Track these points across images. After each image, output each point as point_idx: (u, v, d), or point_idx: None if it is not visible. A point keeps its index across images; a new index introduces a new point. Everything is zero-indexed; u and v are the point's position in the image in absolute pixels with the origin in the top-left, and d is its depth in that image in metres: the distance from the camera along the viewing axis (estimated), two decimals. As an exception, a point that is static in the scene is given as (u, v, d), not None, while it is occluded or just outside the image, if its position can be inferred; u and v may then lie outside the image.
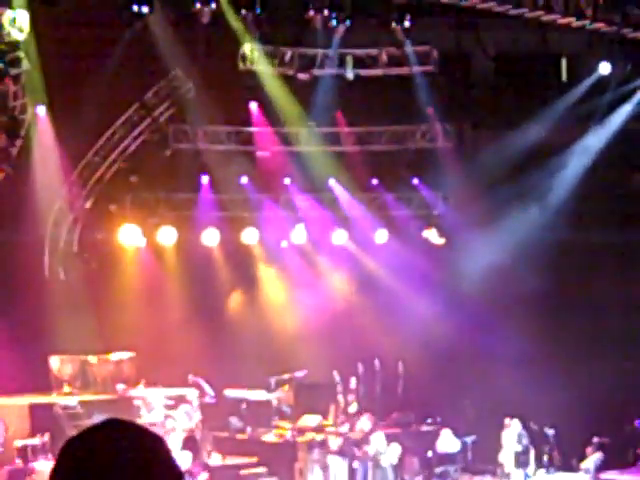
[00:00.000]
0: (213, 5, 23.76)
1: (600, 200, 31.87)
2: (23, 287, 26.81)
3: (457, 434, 27.35)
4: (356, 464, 25.78)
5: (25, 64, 23.35)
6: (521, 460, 28.93)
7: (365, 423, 26.21)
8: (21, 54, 23.02)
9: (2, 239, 26.70)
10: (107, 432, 2.64)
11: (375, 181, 32.07)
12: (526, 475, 28.62)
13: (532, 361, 27.66)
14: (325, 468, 26.49)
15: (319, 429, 27.43)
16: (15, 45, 22.52)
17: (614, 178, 33.96)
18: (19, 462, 23.24)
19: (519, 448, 28.80)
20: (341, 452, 26.61)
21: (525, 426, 28.76)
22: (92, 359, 27.40)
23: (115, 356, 27.58)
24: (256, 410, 27.70)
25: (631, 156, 34.81)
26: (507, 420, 28.25)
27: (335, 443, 26.93)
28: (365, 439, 25.23)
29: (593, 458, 27.97)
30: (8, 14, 21.68)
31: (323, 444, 26.93)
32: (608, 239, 31.41)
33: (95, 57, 25.45)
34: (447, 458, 27.29)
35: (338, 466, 26.48)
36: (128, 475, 2.56)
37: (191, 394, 26.39)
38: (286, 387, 28.18)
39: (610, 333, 29.63)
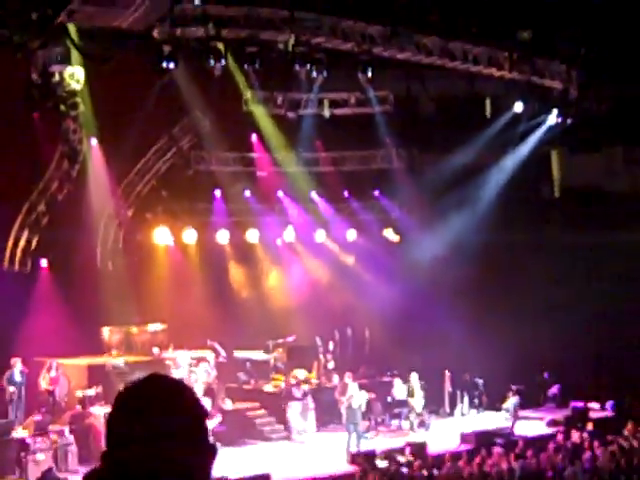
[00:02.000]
0: (223, 62, 23.66)
1: (516, 207, 32.10)
2: (81, 275, 26.86)
3: (406, 382, 27.34)
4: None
5: (81, 107, 23.09)
6: (456, 402, 29.37)
7: (342, 377, 26.09)
8: (78, 99, 22.72)
9: (66, 239, 26.72)
10: (152, 381, 2.64)
11: (346, 193, 32.48)
12: (462, 413, 29.10)
13: (466, 329, 27.64)
14: (311, 409, 26.58)
15: (306, 381, 27.49)
16: (73, 93, 22.38)
17: (527, 190, 34.27)
18: (79, 408, 23.27)
19: (456, 393, 29.22)
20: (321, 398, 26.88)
21: (460, 377, 29.14)
22: (134, 330, 27.61)
23: (151, 327, 27.77)
24: (258, 367, 27.86)
25: (539, 173, 35.19)
26: (446, 372, 28.63)
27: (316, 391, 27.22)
28: (341, 387, 25.24)
29: (512, 401, 28.24)
30: (69, 70, 21.43)
31: (309, 392, 26.93)
32: (523, 238, 31.65)
33: (134, 101, 25.40)
34: (401, 402, 27.32)
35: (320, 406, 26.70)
36: (168, 411, 2.54)
37: (209, 355, 26.50)
38: (280, 349, 28.36)
39: (525, 308, 29.62)
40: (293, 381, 26.83)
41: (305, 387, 27.03)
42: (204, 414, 2.65)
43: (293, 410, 26.18)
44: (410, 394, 27.08)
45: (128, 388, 2.64)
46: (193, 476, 2.56)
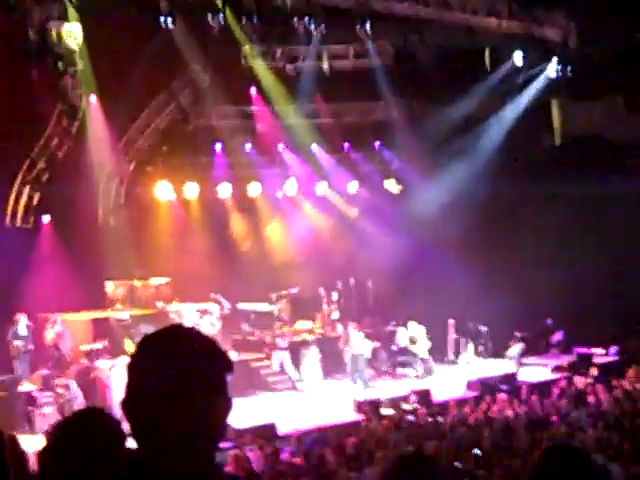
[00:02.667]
0: (221, 16, 23.67)
1: (517, 156, 32.09)
2: (83, 230, 26.71)
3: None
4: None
5: (80, 64, 23.09)
6: (460, 350, 29.55)
7: (346, 327, 26.33)
8: (76, 57, 22.71)
9: (68, 195, 26.58)
10: (175, 328, 2.75)
11: (346, 145, 32.40)
12: (466, 361, 29.23)
13: (469, 278, 27.70)
14: (316, 359, 26.70)
15: (310, 331, 27.78)
16: (71, 50, 22.30)
17: (527, 140, 34.25)
18: (85, 361, 23.25)
19: (460, 341, 29.38)
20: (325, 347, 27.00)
21: (464, 325, 29.30)
22: (137, 283, 27.59)
23: (155, 281, 27.75)
24: (261, 318, 28.02)
25: (539, 122, 35.09)
26: (450, 320, 28.77)
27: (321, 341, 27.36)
28: (346, 337, 25.44)
29: (516, 348, 28.47)
30: (66, 27, 21.41)
31: (313, 342, 27.18)
32: (525, 187, 31.66)
33: (132, 56, 25.34)
34: (406, 350, 27.53)
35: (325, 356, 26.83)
36: (195, 355, 2.62)
37: (213, 308, 26.51)
38: (284, 300, 28.49)
39: (528, 256, 29.78)
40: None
41: (309, 337, 27.28)
42: (227, 365, 2.74)
43: (278, 360, 26.33)
44: (412, 341, 27.19)
45: (149, 338, 2.71)
46: (212, 429, 2.64)
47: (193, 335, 2.69)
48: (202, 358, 2.62)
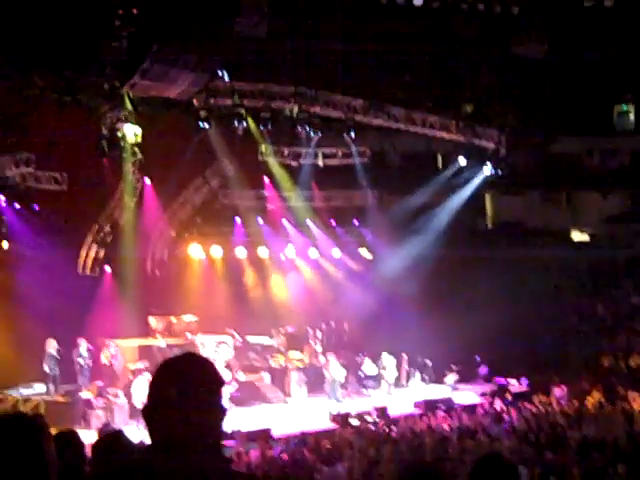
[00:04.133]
0: (244, 123, 23.82)
1: (458, 235, 32.16)
2: (135, 279, 26.53)
3: (374, 362, 27.30)
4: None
5: (139, 155, 23.17)
6: (410, 377, 29.35)
7: (327, 357, 26.19)
8: (137, 149, 22.80)
9: (125, 252, 26.71)
10: (185, 357, 2.69)
11: (333, 222, 32.30)
12: (415, 385, 28.93)
13: (419, 323, 27.43)
14: (302, 380, 26.56)
15: (300, 360, 27.42)
16: (133, 144, 22.25)
17: (468, 221, 34.41)
18: (131, 377, 23.08)
19: (410, 370, 29.16)
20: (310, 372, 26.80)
21: (414, 358, 29.11)
22: (173, 319, 27.30)
23: (186, 318, 27.48)
24: (264, 348, 27.74)
25: (476, 210, 35.35)
26: (404, 355, 28.57)
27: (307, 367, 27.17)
28: (326, 365, 25.31)
29: (452, 377, 28.33)
30: (129, 127, 21.46)
31: (301, 369, 26.95)
32: (464, 257, 31.74)
33: (177, 150, 25.41)
34: (370, 376, 27.30)
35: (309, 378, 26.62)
36: (198, 375, 2.59)
37: (228, 339, 26.42)
38: (282, 336, 28.23)
39: (462, 307, 29.40)
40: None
41: (299, 364, 27.01)
42: (221, 382, 2.67)
43: (292, 379, 26.19)
44: (383, 368, 26.83)
45: (166, 362, 2.70)
46: (209, 430, 2.57)
47: (197, 360, 2.67)
48: (202, 377, 2.59)
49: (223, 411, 2.63)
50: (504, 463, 3.65)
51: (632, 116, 36.19)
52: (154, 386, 2.63)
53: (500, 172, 29.18)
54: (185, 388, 2.55)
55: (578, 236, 38.15)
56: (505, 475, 3.55)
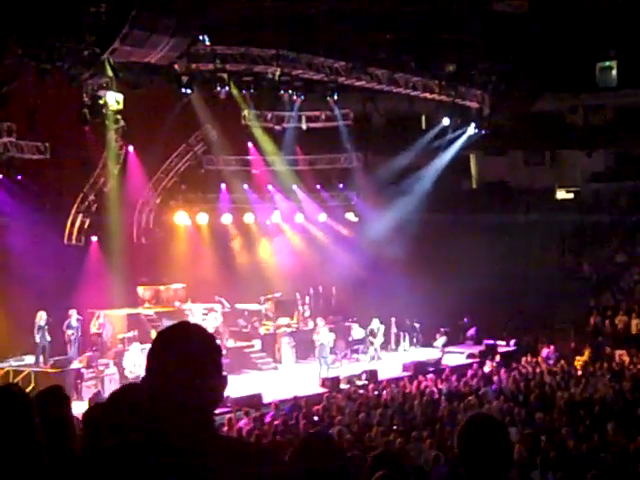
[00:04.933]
0: (227, 88, 23.58)
1: (444, 196, 32.14)
2: (121, 247, 26.48)
3: (362, 326, 27.35)
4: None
5: (121, 122, 22.96)
6: (399, 341, 29.45)
7: (316, 322, 26.00)
8: (119, 117, 22.61)
9: (110, 221, 26.52)
10: (184, 325, 2.65)
11: (318, 186, 32.28)
12: (404, 349, 29.15)
13: (407, 286, 27.41)
14: (292, 346, 26.72)
15: (288, 325, 27.55)
16: (115, 112, 22.08)
17: (452, 183, 34.39)
18: (120, 347, 23.12)
19: (399, 334, 29.26)
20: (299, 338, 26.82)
21: (403, 322, 29.20)
22: (161, 288, 27.26)
23: (174, 286, 27.44)
24: (253, 315, 27.66)
25: (460, 171, 35.33)
26: (392, 318, 28.60)
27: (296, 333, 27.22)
28: (316, 330, 25.22)
29: (441, 340, 28.49)
30: (111, 94, 21.15)
31: (290, 333, 27.07)
32: (449, 218, 31.76)
33: (160, 117, 25.24)
34: (359, 341, 27.43)
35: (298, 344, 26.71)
36: (197, 344, 2.55)
37: (216, 307, 26.31)
38: (270, 302, 28.15)
39: (450, 269, 29.61)
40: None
41: (288, 329, 27.07)
42: (219, 351, 2.63)
43: (282, 345, 26.29)
44: (372, 334, 26.88)
45: (163, 331, 2.63)
46: (211, 398, 2.55)
47: (193, 328, 2.62)
48: (200, 345, 2.55)
49: (224, 379, 2.60)
50: (493, 422, 3.64)
51: (615, 72, 36.08)
52: (152, 356, 2.57)
53: (484, 131, 29.17)
54: (185, 357, 2.51)
55: (563, 194, 38.24)
56: (494, 434, 3.53)
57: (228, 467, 2.46)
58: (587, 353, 26.28)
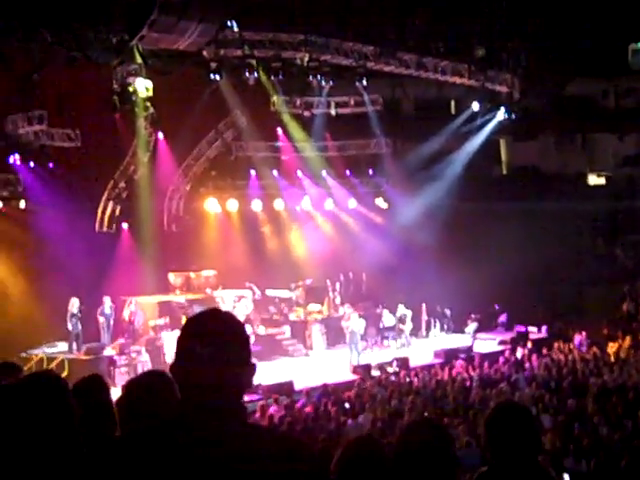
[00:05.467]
0: (255, 74, 23.56)
1: (474, 182, 31.88)
2: (152, 234, 26.50)
3: (393, 313, 27.24)
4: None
5: (151, 109, 23.04)
6: (430, 327, 29.34)
7: (346, 309, 25.93)
8: (148, 104, 22.62)
9: (141, 208, 26.55)
10: (212, 313, 2.67)
11: (348, 172, 32.14)
12: (434, 335, 29.03)
13: (437, 273, 27.33)
14: (323, 333, 26.74)
15: (319, 312, 27.54)
16: (145, 99, 22.01)
17: (482, 168, 34.09)
18: (152, 333, 23.35)
19: (430, 320, 29.12)
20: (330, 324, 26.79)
21: (433, 308, 29.06)
22: (192, 275, 27.31)
23: (205, 273, 27.45)
24: (283, 302, 27.65)
25: (490, 156, 35.02)
26: (423, 305, 28.55)
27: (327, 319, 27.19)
28: (346, 317, 25.20)
29: (472, 326, 28.30)
30: (140, 81, 21.05)
31: (321, 320, 27.04)
32: (479, 205, 31.47)
33: (189, 103, 25.27)
34: (390, 327, 27.31)
35: (329, 331, 26.70)
36: (222, 329, 2.56)
37: (247, 293, 26.35)
38: (300, 289, 28.10)
39: (481, 256, 29.26)
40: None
41: (318, 316, 27.05)
42: (248, 338, 2.64)
43: (313, 332, 26.30)
44: (401, 321, 26.87)
45: (193, 318, 2.65)
46: (240, 385, 2.56)
47: (223, 315, 2.65)
48: (228, 332, 2.57)
49: (253, 366, 2.61)
50: (519, 409, 3.69)
51: (647, 54, 35.55)
52: (182, 343, 2.59)
53: (514, 116, 28.89)
54: (214, 344, 2.52)
55: (594, 179, 37.82)
56: (520, 421, 3.58)
57: (256, 457, 2.46)
58: (620, 339, 25.96)
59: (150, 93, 21.67)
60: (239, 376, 2.55)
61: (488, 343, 27.14)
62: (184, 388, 2.56)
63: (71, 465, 2.76)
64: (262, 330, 25.38)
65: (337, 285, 28.70)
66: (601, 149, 37.48)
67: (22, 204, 23.92)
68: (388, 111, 30.73)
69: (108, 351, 21.95)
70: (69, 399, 2.85)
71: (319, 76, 24.67)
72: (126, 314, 23.88)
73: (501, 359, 22.72)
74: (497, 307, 30.22)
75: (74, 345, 22.49)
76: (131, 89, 21.22)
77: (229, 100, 26.53)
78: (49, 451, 2.73)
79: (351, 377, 21.75)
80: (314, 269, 29.03)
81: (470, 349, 25.43)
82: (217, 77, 22.40)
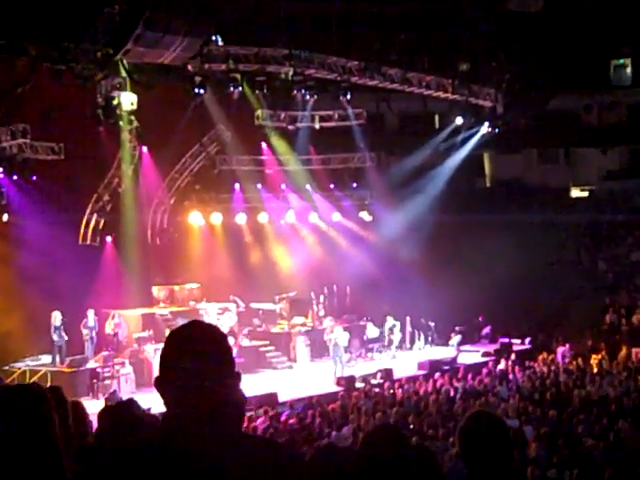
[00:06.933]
0: (240, 88, 23.62)
1: (457, 195, 31.97)
2: (136, 248, 26.48)
3: (377, 325, 27.34)
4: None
5: (135, 123, 23.02)
6: (414, 339, 29.34)
7: (329, 321, 26.02)
8: (132, 117, 22.63)
9: (125, 221, 26.51)
10: (194, 325, 2.63)
11: (332, 185, 32.19)
12: (419, 348, 29.06)
13: (421, 286, 27.34)
14: (307, 345, 26.67)
15: (303, 325, 27.49)
16: (129, 112, 22.09)
17: (465, 181, 34.26)
18: (136, 346, 23.25)
19: (414, 333, 29.15)
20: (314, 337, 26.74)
21: (417, 321, 29.09)
22: (176, 288, 27.30)
23: (188, 286, 27.46)
24: (267, 315, 27.60)
25: (474, 169, 35.20)
26: (407, 317, 28.54)
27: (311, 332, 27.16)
28: (328, 330, 25.14)
29: (456, 338, 28.29)
30: (125, 95, 21.21)
31: (305, 333, 27.01)
32: (463, 218, 31.56)
33: (173, 117, 25.26)
34: (373, 340, 27.37)
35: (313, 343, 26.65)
36: (206, 342, 2.53)
37: (231, 306, 26.37)
38: (284, 301, 28.07)
39: (464, 269, 29.43)
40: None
41: (302, 329, 27.01)
42: (230, 349, 2.62)
43: (297, 345, 26.28)
44: (391, 331, 26.86)
45: (176, 331, 2.63)
46: (225, 395, 2.54)
47: (205, 327, 2.62)
48: (210, 344, 2.54)
49: (238, 375, 2.60)
50: (491, 420, 3.70)
51: (629, 70, 35.94)
52: (165, 356, 2.57)
53: (498, 130, 29.10)
54: (198, 357, 2.50)
55: (577, 193, 38.06)
56: (493, 431, 3.59)
57: (249, 469, 2.46)
58: (603, 351, 26.11)
59: (134, 107, 21.74)
60: (224, 387, 2.53)
61: (472, 355, 27.19)
62: (169, 402, 2.53)
63: (51, 476, 2.74)
64: (246, 342, 25.34)
65: (321, 298, 28.69)
66: (584, 163, 37.74)
67: (5, 217, 23.79)
68: (372, 125, 30.80)
69: (91, 364, 21.83)
70: (50, 412, 2.83)
71: (303, 90, 24.75)
72: (110, 327, 23.77)
73: (485, 371, 22.76)
74: (481, 319, 30.27)
75: (57, 358, 22.36)
76: (115, 103, 21.27)
77: (213, 114, 26.57)
78: (28, 466, 2.70)
79: (335, 389, 21.72)
80: (298, 282, 29.02)
81: (454, 361, 25.47)
82: (201, 91, 22.45)
